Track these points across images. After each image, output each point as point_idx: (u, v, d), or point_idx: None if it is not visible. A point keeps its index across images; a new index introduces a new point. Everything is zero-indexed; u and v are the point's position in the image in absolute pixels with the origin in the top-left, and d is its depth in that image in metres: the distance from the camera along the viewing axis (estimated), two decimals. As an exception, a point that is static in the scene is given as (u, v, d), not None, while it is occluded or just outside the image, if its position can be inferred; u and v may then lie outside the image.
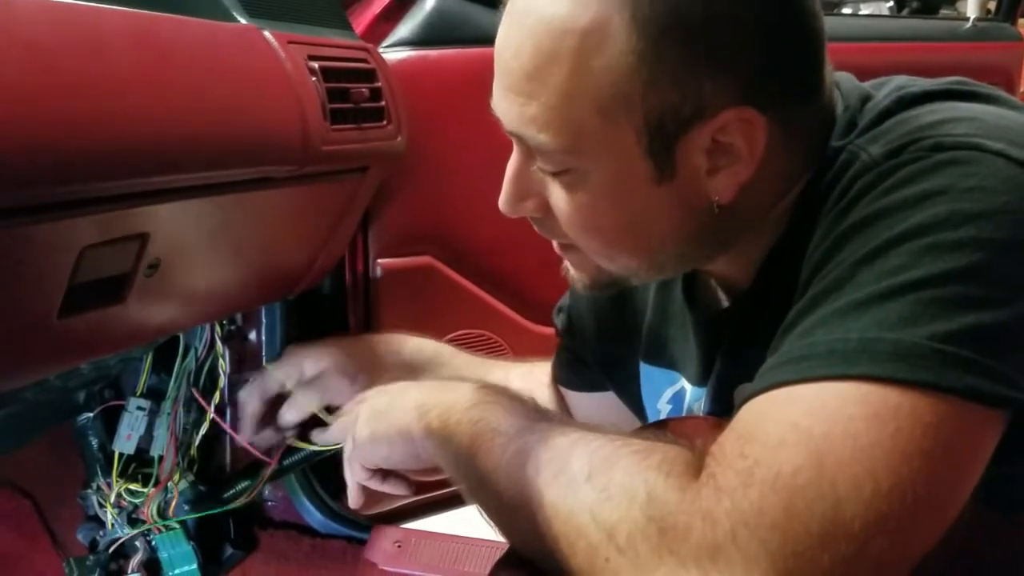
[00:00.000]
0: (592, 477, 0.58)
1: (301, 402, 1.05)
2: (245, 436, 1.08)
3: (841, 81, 0.71)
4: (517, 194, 0.70)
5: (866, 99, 0.68)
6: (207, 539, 1.19)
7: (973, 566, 0.62)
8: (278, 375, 1.06)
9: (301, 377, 1.06)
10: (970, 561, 0.61)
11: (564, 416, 0.68)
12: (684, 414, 0.84)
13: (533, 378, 1.07)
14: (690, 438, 0.59)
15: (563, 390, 1.04)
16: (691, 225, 0.67)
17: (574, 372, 1.02)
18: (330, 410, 1.07)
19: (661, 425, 0.75)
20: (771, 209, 0.68)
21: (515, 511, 0.62)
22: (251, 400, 1.06)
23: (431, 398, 0.74)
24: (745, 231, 0.69)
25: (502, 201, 0.71)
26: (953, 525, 0.54)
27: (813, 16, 0.65)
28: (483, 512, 0.67)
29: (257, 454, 1.09)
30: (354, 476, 0.84)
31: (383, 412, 0.79)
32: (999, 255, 0.55)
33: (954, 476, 0.54)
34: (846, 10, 2.25)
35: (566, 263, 0.75)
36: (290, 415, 1.05)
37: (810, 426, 0.53)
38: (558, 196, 0.67)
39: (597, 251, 0.70)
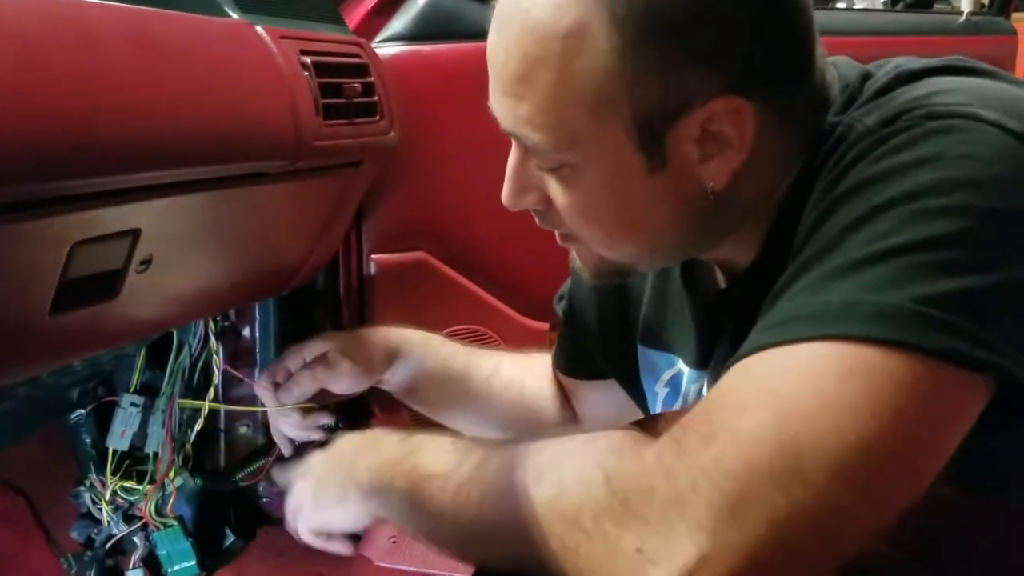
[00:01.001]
0: (541, 476, 0.58)
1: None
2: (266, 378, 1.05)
3: (839, 63, 0.71)
4: (519, 188, 0.71)
5: (866, 77, 0.69)
6: (206, 533, 1.19)
7: (958, 551, 0.62)
8: (312, 345, 1.04)
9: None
10: (955, 546, 0.61)
11: (495, 440, 0.68)
12: (681, 398, 0.84)
13: (526, 366, 1.07)
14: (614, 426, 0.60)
15: (564, 378, 1.04)
16: (688, 213, 0.67)
17: (576, 359, 1.02)
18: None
19: (657, 419, 0.75)
20: (770, 192, 0.68)
21: (476, 540, 0.63)
22: (291, 356, 1.04)
23: (362, 459, 0.74)
24: (745, 215, 0.69)
25: (505, 195, 0.72)
26: (937, 510, 0.54)
27: (799, 2, 0.65)
28: (448, 553, 0.67)
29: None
30: (300, 536, 0.85)
31: (322, 481, 0.79)
32: (987, 222, 0.55)
33: (929, 436, 0.53)
34: (840, 4, 2.25)
35: (573, 253, 0.76)
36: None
37: (780, 386, 0.53)
38: (556, 191, 0.68)
39: (598, 241, 0.71)
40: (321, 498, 0.79)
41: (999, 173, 0.56)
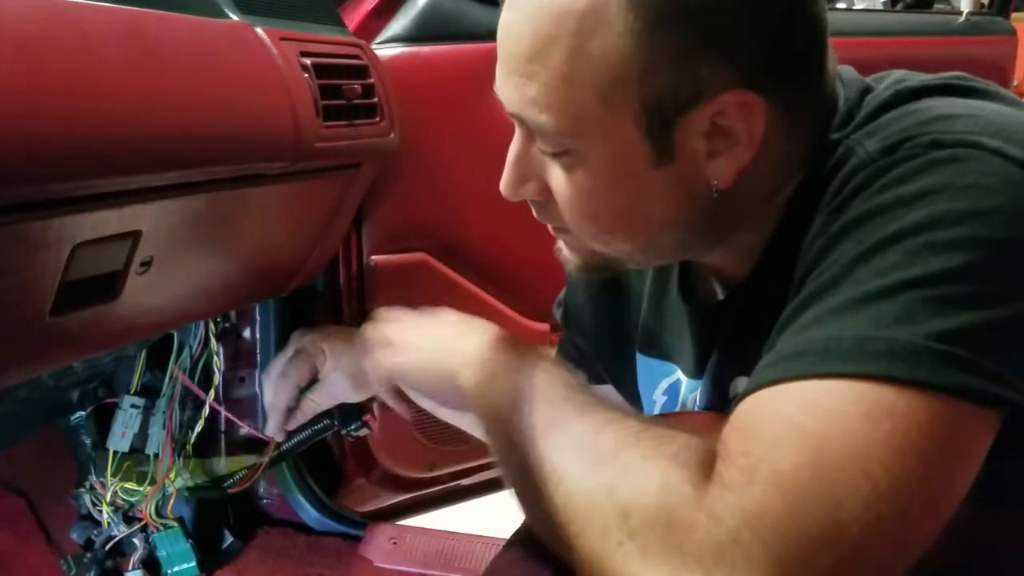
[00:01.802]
0: (616, 455, 0.58)
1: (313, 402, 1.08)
2: (275, 428, 1.09)
3: (842, 73, 0.71)
4: (519, 177, 0.70)
5: (865, 91, 0.68)
6: (205, 534, 1.19)
7: (971, 563, 0.62)
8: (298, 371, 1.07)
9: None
10: (968, 558, 0.61)
11: (598, 392, 0.68)
12: (679, 406, 0.84)
13: None
14: (693, 433, 0.59)
15: None
16: (689, 210, 0.67)
17: (575, 364, 1.02)
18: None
19: (661, 419, 0.75)
20: (770, 198, 0.68)
21: (538, 479, 0.62)
22: (283, 392, 1.07)
23: (470, 342, 0.74)
24: (744, 220, 0.69)
25: (503, 184, 0.71)
26: (950, 522, 0.54)
27: (814, 2, 0.65)
28: (504, 472, 0.67)
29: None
30: (372, 377, 0.84)
31: (428, 348, 0.78)
32: (995, 254, 0.55)
33: (948, 474, 0.54)
34: (840, 4, 2.25)
35: (559, 243, 0.75)
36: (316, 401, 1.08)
37: (805, 423, 0.53)
38: (558, 178, 0.67)
39: (592, 236, 0.70)
40: (430, 367, 0.78)
41: (1003, 203, 0.56)
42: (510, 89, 0.65)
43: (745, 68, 0.62)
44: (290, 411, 1.08)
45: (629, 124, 0.63)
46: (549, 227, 0.74)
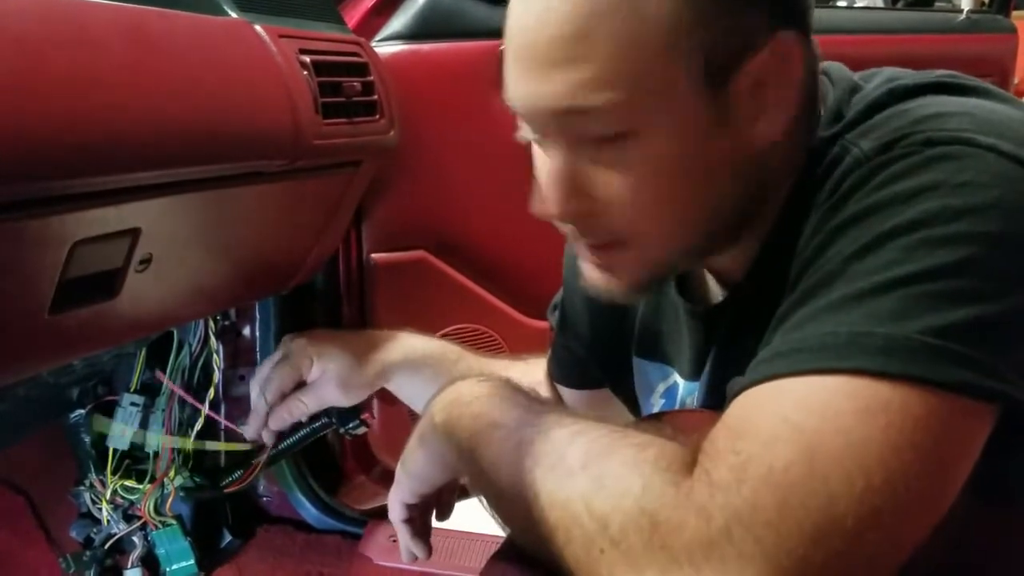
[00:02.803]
0: (587, 466, 0.58)
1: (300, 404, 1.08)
2: (254, 432, 1.09)
3: (831, 70, 0.71)
4: (570, 191, 0.66)
5: (854, 90, 0.68)
6: (204, 533, 1.19)
7: (967, 558, 0.62)
8: (288, 370, 1.08)
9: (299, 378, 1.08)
10: (965, 553, 0.61)
11: (565, 407, 0.68)
12: (678, 407, 0.84)
13: (531, 376, 1.07)
14: (686, 431, 0.58)
15: (558, 387, 1.04)
16: (738, 184, 0.67)
17: (569, 369, 1.01)
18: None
19: (658, 418, 0.74)
20: (783, 180, 0.68)
21: (514, 502, 0.62)
22: (266, 396, 1.08)
23: (438, 398, 0.74)
24: (758, 208, 0.69)
25: (553, 204, 0.67)
26: (947, 517, 0.54)
27: None
28: (484, 503, 0.67)
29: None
30: (392, 515, 0.84)
31: (414, 434, 0.78)
32: (990, 250, 0.55)
33: (945, 470, 0.54)
34: (841, 2, 2.25)
35: (595, 271, 0.71)
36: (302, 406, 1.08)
37: (801, 420, 0.53)
38: (610, 177, 0.65)
39: (659, 232, 0.67)
40: (407, 462, 0.78)
41: (998, 198, 0.56)
42: (546, 85, 0.63)
43: (779, 14, 0.63)
44: (275, 414, 1.08)
45: (684, 86, 0.62)
46: (585, 252, 0.70)
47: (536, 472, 0.60)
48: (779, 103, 0.64)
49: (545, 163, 0.67)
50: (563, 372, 1.02)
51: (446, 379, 0.94)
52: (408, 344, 1.11)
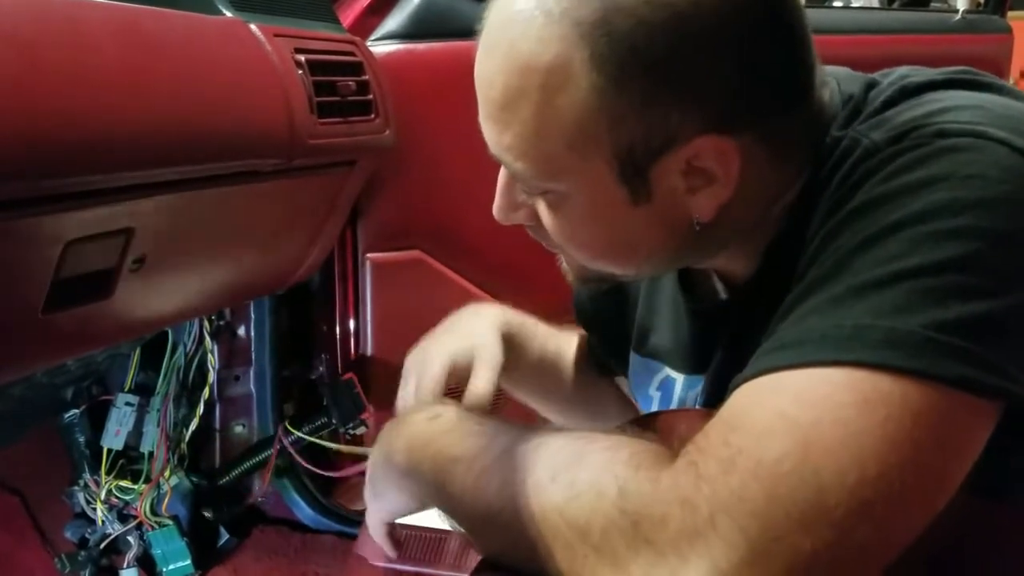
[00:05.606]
0: (556, 477, 0.57)
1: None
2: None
3: (839, 76, 0.70)
4: (509, 205, 0.70)
5: (871, 86, 0.68)
6: (200, 532, 1.19)
7: (965, 554, 0.62)
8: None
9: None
10: (962, 549, 0.61)
11: (526, 425, 0.67)
12: (676, 403, 0.84)
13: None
14: (683, 430, 0.58)
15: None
16: (675, 241, 0.67)
17: (596, 359, 1.02)
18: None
19: (653, 417, 0.74)
20: (764, 214, 0.68)
21: (488, 528, 0.62)
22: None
23: (396, 442, 0.74)
24: (737, 236, 0.69)
25: (496, 211, 0.71)
26: (945, 513, 0.53)
27: (793, 19, 0.63)
28: (467, 538, 0.67)
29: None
30: (371, 531, 0.84)
31: (374, 467, 0.78)
32: (997, 244, 0.54)
33: (943, 465, 0.53)
34: (837, 2, 2.25)
35: (560, 256, 0.75)
36: None
37: (798, 414, 0.52)
38: (543, 213, 0.68)
39: (584, 261, 0.70)
40: (375, 485, 0.78)
41: (1007, 192, 0.55)
42: (488, 132, 0.65)
43: (717, 112, 0.61)
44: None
45: (603, 170, 0.62)
46: (544, 244, 0.74)
47: (504, 494, 0.60)
48: (709, 192, 0.63)
49: (502, 173, 0.69)
50: (593, 365, 1.03)
51: (532, 353, 0.92)
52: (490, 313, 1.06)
